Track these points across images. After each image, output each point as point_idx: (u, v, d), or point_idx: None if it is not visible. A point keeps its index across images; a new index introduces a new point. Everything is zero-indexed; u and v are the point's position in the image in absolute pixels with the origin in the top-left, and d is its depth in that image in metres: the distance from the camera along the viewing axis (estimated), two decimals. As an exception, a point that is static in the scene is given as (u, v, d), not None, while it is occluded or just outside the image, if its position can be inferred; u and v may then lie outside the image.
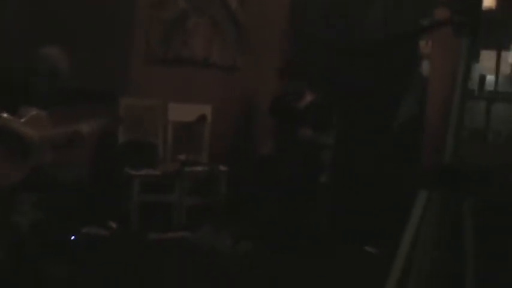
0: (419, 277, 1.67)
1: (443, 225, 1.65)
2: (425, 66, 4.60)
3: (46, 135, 3.30)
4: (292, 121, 4.57)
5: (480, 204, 1.71)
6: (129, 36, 4.69)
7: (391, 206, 3.96)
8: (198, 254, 4.04)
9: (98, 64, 4.42)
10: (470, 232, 1.61)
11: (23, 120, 3.23)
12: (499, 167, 3.72)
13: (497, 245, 3.17)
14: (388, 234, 2.92)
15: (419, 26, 3.83)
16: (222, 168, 4.73)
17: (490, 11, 3.83)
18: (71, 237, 3.70)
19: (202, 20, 5.05)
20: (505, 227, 3.26)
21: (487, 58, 4.24)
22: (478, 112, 4.26)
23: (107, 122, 3.58)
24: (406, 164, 4.18)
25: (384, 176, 4.43)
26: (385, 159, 4.49)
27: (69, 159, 3.53)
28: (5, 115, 3.17)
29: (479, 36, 1.61)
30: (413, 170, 3.90)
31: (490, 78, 4.26)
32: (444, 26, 1.70)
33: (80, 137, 3.39)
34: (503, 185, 3.59)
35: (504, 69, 4.26)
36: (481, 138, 4.20)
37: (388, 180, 4.35)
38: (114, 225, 4.30)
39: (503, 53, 4.22)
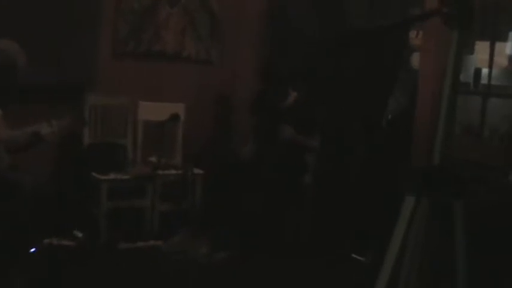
0: (407, 283, 1.68)
1: (433, 229, 1.66)
2: (415, 59, 4.63)
3: (1, 137, 3.26)
4: (275, 120, 4.58)
5: (478, 205, 1.73)
6: (95, 28, 4.65)
7: (380, 208, 3.98)
8: (172, 263, 4.03)
9: (61, 58, 4.38)
10: (461, 234, 1.63)
11: None
12: (496, 166, 3.77)
13: (495, 247, 3.22)
14: (376, 240, 2.93)
15: (409, 15, 3.86)
16: (197, 171, 4.72)
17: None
18: (32, 249, 3.67)
19: (175, 10, 5.03)
20: (504, 228, 3.31)
21: (483, 50, 4.27)
22: (473, 107, 4.30)
23: (70, 121, 3.54)
24: (396, 163, 4.21)
25: (372, 175, 4.46)
26: (374, 157, 4.51)
27: (28, 163, 3.50)
28: None
29: (470, 28, 1.62)
30: (402, 170, 3.93)
31: (486, 71, 4.29)
32: (434, 16, 1.71)
33: (40, 139, 3.35)
34: (502, 184, 3.64)
35: (502, 61, 4.30)
36: (476, 135, 4.24)
37: (376, 180, 4.37)
38: (80, 234, 4.26)
39: (500, 44, 4.25)
